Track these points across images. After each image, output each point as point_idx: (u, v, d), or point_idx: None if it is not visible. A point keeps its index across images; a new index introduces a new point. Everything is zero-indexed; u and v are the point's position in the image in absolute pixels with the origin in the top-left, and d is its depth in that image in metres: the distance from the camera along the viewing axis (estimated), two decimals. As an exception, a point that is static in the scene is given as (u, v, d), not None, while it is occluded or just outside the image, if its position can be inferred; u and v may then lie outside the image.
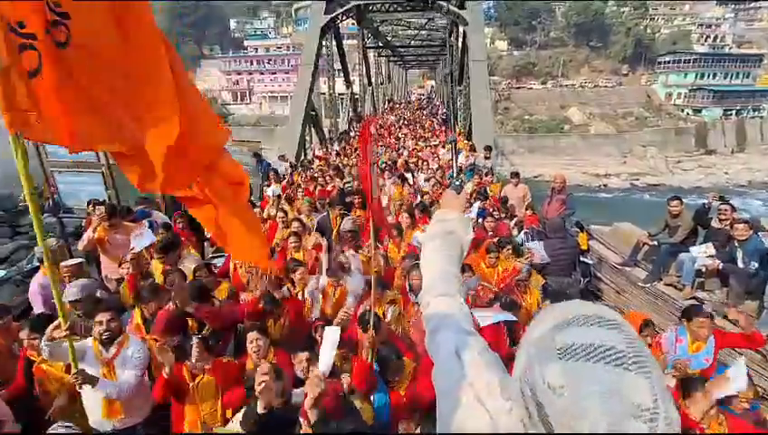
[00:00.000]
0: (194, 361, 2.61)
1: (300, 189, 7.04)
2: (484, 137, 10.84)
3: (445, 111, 21.41)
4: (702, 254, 4.42)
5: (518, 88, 61.74)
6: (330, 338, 2.30)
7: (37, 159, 6.14)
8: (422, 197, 6.84)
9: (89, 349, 2.63)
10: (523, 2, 70.22)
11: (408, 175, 8.62)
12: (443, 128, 16.92)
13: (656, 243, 5.41)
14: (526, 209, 6.51)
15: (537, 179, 36.07)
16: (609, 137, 48.50)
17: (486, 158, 9.45)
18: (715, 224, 4.76)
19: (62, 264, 3.72)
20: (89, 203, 5.50)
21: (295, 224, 4.82)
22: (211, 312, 3.22)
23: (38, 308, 3.60)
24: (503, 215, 6.10)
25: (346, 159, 11.47)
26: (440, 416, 0.81)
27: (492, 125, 11.80)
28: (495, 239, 4.64)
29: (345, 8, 14.54)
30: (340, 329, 2.49)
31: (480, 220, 5.29)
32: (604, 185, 40.54)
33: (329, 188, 7.54)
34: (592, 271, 5.15)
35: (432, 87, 51.80)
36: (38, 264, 4.72)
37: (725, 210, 4.67)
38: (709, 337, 3.12)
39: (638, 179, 40.70)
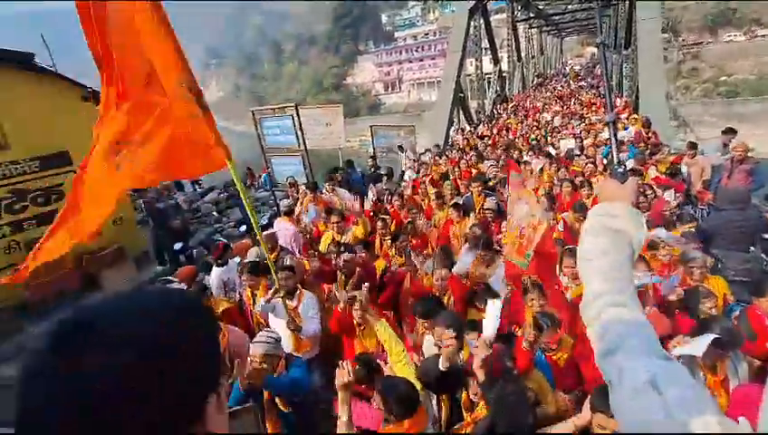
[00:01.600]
0: (363, 303, 3.05)
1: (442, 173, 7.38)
2: (656, 109, 9.37)
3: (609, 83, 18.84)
4: None
5: (711, 43, 49.17)
6: (492, 310, 2.39)
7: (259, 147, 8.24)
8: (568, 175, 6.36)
9: (278, 304, 3.38)
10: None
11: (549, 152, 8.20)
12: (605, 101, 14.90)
13: None
14: (703, 185, 5.60)
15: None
16: None
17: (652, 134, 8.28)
18: None
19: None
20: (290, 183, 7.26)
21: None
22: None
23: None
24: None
25: (488, 140, 11.34)
26: None
27: (664, 96, 10.01)
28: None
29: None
30: (501, 301, 2.58)
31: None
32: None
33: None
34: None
35: (593, 55, 45.77)
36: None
37: None
38: None
39: None
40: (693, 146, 6.98)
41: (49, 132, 6.30)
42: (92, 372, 0.42)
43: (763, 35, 46.36)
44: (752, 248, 4.08)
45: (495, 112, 17.87)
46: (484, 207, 5.18)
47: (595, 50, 46.45)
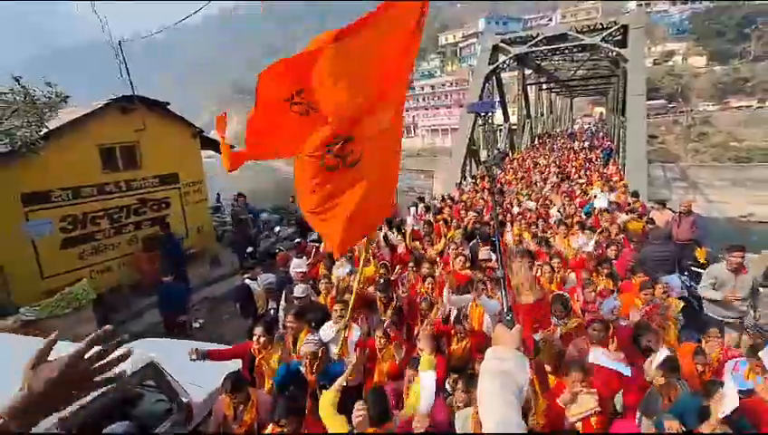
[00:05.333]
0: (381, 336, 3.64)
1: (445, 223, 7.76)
2: (637, 178, 11.14)
3: (609, 144, 20.55)
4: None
5: (725, 108, 51.34)
6: (427, 383, 2.39)
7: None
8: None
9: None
10: (731, 7, 60.14)
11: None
12: (600, 164, 16.31)
13: (784, 267, 5.79)
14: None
15: (745, 219, 29.74)
16: None
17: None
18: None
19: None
20: None
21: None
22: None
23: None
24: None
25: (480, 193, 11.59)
26: None
27: (644, 164, 11.70)
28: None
29: (508, 57, 16.67)
30: (435, 374, 2.58)
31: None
32: None
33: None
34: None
35: (601, 114, 48.51)
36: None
37: None
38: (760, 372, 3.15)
39: None
40: (662, 202, 8.83)
41: (166, 158, 8.44)
42: None
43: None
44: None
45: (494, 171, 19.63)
46: (480, 257, 5.73)
47: (603, 110, 49.29)
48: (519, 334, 1.20)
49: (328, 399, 2.61)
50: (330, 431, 2.53)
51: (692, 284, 5.92)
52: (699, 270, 6.00)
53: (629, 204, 9.24)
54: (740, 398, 2.72)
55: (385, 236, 6.61)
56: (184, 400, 3.05)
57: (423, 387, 2.42)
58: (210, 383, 3.47)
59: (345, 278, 5.25)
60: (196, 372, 3.45)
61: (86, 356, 0.86)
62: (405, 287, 4.98)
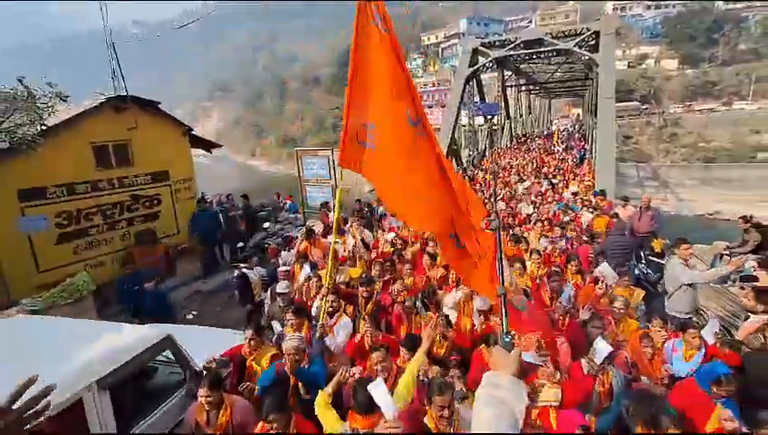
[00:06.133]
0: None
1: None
2: (605, 177, 11.87)
3: (584, 145, 21.52)
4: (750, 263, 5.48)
5: (693, 111, 53.51)
6: (379, 390, 2.35)
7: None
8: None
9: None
10: (702, 14, 62.79)
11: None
12: (575, 165, 17.16)
13: (728, 253, 6.49)
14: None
15: (712, 217, 31.20)
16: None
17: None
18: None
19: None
20: (321, 205, 9.52)
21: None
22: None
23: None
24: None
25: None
26: None
27: (613, 164, 12.43)
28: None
29: (487, 60, 17.32)
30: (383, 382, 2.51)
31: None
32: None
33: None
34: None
35: (578, 115, 50.03)
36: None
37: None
38: (701, 348, 3.52)
39: None
40: (625, 199, 9.53)
41: (157, 155, 8.68)
42: None
43: (741, 108, 50.82)
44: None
45: (471, 170, 20.22)
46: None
47: (580, 111, 50.84)
48: (517, 358, 1.17)
49: (322, 398, 2.77)
50: (324, 425, 2.67)
51: (648, 271, 6.58)
52: (656, 259, 6.66)
53: (591, 201, 9.97)
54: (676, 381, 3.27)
55: (362, 239, 6.88)
56: (196, 369, 3.43)
57: (376, 396, 2.35)
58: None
59: (307, 282, 5.25)
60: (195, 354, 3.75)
61: (13, 407, 0.91)
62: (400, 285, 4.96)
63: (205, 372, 3.20)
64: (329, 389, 2.84)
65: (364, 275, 5.19)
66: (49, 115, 6.15)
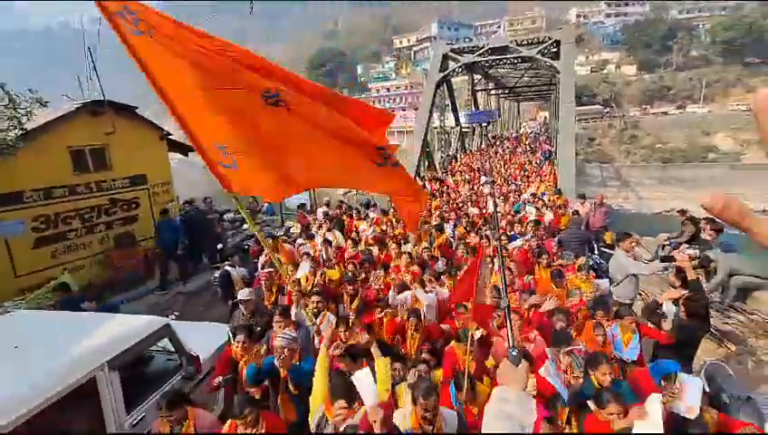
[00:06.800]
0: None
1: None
2: (566, 177, 12.67)
3: (548, 147, 22.60)
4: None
5: (650, 114, 56.34)
6: (363, 379, 2.43)
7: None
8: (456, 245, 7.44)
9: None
10: (657, 22, 66.56)
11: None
12: (540, 166, 18.10)
13: (668, 243, 7.29)
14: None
15: (670, 214, 33.20)
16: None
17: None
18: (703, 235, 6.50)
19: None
20: (298, 207, 9.81)
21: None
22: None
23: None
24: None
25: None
26: None
27: (572, 164, 13.12)
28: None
29: (456, 66, 18.04)
30: (370, 373, 2.60)
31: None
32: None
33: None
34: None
35: (545, 118, 51.97)
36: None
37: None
38: (635, 331, 3.89)
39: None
40: (582, 196, 10.34)
41: (135, 159, 8.77)
42: None
43: (693, 111, 53.97)
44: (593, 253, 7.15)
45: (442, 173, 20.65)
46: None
47: (546, 114, 52.83)
48: (525, 373, 1.19)
49: (323, 360, 2.90)
50: (314, 385, 2.78)
51: (601, 261, 7.27)
52: (608, 250, 7.37)
53: (552, 200, 10.74)
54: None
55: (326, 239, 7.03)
56: (193, 354, 3.73)
57: (360, 386, 2.41)
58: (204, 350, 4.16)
59: (309, 277, 5.48)
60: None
61: None
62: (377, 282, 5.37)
63: (161, 395, 3.06)
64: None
65: (348, 274, 5.45)
66: (27, 120, 6.22)
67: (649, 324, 4.24)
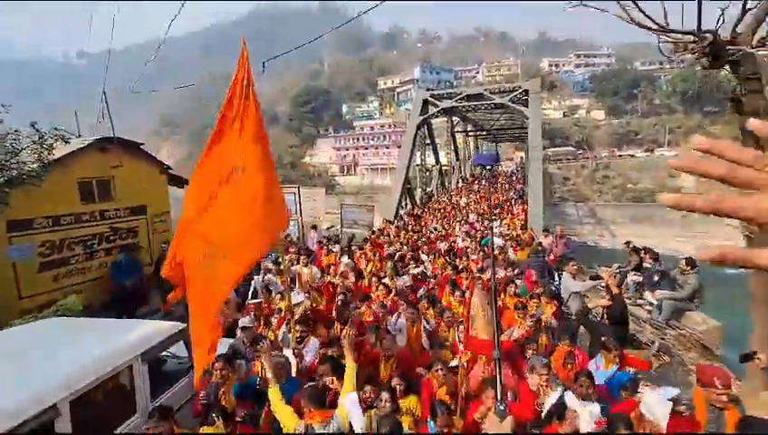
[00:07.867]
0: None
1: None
2: (535, 214, 13.61)
3: (521, 186, 24.16)
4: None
5: (620, 156, 59.74)
6: (350, 401, 2.60)
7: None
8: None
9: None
10: (623, 72, 72.04)
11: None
12: (512, 204, 19.54)
13: (618, 271, 8.32)
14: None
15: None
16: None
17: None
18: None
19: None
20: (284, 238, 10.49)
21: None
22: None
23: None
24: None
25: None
26: None
27: (540, 202, 14.14)
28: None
29: (436, 110, 19.59)
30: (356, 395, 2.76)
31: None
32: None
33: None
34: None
35: (521, 158, 54.63)
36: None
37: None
38: (617, 362, 4.11)
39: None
40: (547, 230, 11.41)
41: (136, 191, 9.44)
42: None
43: (661, 153, 57.27)
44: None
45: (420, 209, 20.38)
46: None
47: (523, 154, 55.63)
48: (510, 425, 1.23)
49: (275, 394, 2.97)
50: (280, 419, 2.83)
51: (561, 286, 8.17)
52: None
53: (517, 235, 11.72)
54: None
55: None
56: (203, 356, 4.35)
57: (349, 410, 2.54)
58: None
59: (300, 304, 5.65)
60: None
61: None
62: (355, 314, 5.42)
63: (153, 407, 3.38)
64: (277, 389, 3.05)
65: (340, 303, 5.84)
66: (49, 154, 6.93)
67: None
